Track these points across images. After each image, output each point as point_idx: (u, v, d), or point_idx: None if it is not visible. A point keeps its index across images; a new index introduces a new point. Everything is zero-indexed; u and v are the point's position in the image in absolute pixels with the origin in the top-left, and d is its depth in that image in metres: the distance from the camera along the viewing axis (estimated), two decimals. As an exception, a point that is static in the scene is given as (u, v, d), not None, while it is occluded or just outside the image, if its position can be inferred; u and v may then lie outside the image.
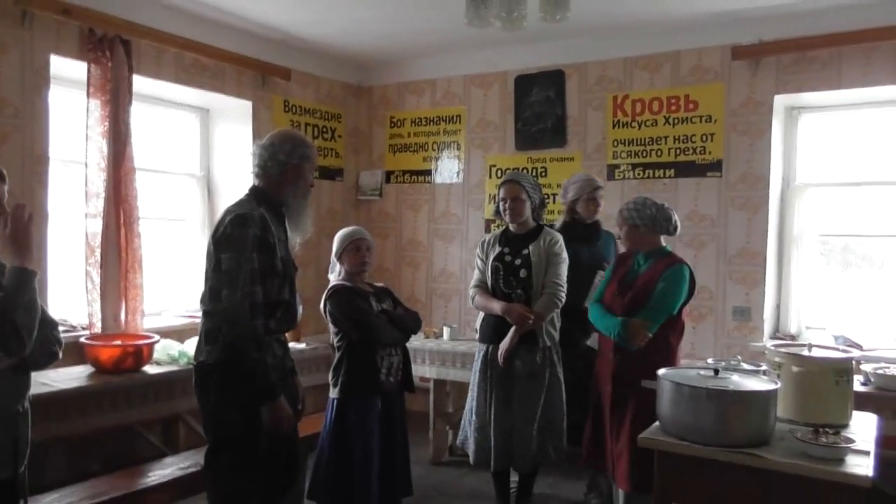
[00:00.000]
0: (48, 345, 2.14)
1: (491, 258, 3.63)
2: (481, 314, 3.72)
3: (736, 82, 4.54)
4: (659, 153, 4.80)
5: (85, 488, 2.78)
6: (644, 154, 4.85)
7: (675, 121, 4.73)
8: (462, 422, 3.75)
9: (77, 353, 3.66)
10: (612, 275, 3.38)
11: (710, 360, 2.92)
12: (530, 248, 3.56)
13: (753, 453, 2.20)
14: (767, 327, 4.53)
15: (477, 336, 3.75)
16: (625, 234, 3.27)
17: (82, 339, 3.69)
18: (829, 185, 4.58)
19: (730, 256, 4.58)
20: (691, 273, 3.22)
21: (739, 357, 3.70)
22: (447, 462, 4.63)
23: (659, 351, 3.08)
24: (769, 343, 2.78)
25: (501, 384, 3.53)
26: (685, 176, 4.71)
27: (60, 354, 2.21)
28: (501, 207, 3.61)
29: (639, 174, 4.85)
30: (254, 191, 2.67)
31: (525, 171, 5.24)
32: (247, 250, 2.44)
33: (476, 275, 3.72)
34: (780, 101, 4.47)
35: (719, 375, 2.40)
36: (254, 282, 2.44)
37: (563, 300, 3.53)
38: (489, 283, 3.62)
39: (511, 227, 3.65)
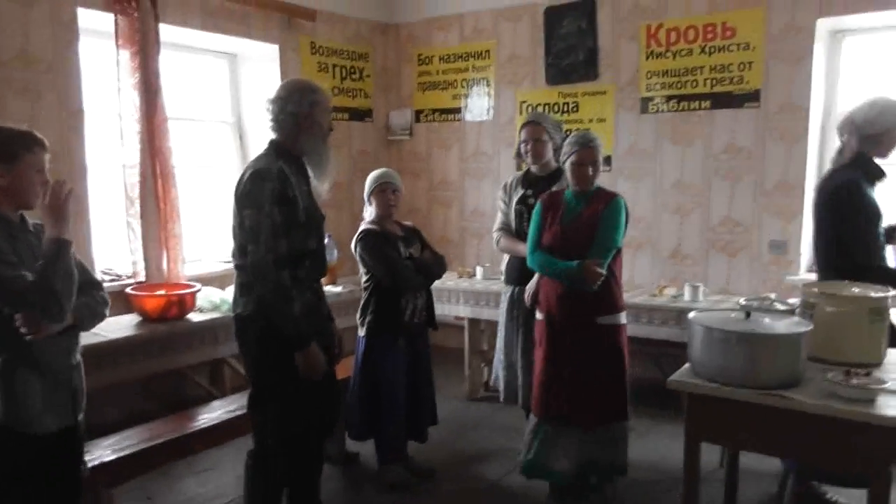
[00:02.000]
0: (95, 306, 2.25)
1: (514, 201, 3.63)
2: (506, 256, 3.76)
3: (776, 6, 4.34)
4: (694, 84, 4.65)
5: (140, 432, 2.94)
6: (679, 85, 4.71)
7: (712, 49, 4.57)
8: (494, 361, 3.85)
9: (124, 302, 3.81)
10: (544, 218, 3.20)
11: (742, 301, 2.91)
12: (553, 189, 3.54)
13: (783, 395, 2.22)
14: (804, 261, 4.46)
15: (503, 278, 3.79)
16: (593, 172, 3.10)
17: (128, 290, 3.83)
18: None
19: (767, 189, 4.49)
20: (625, 205, 3.16)
21: (773, 295, 3.70)
22: (483, 398, 4.76)
23: (608, 285, 3.07)
24: (805, 280, 2.75)
25: (528, 324, 3.59)
26: (722, 107, 4.57)
27: (107, 314, 2.32)
28: (523, 149, 3.58)
29: (673, 107, 4.73)
30: (272, 144, 2.69)
31: (556, 106, 5.16)
32: (266, 205, 2.48)
33: (499, 217, 3.73)
34: (823, 24, 4.28)
35: (750, 318, 2.40)
36: (276, 236, 2.49)
37: None
38: (513, 225, 3.63)
39: (532, 168, 3.63)
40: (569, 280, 3.04)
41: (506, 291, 3.71)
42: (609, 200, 3.11)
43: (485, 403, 4.65)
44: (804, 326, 2.35)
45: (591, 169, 3.09)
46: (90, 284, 2.28)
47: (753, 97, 4.46)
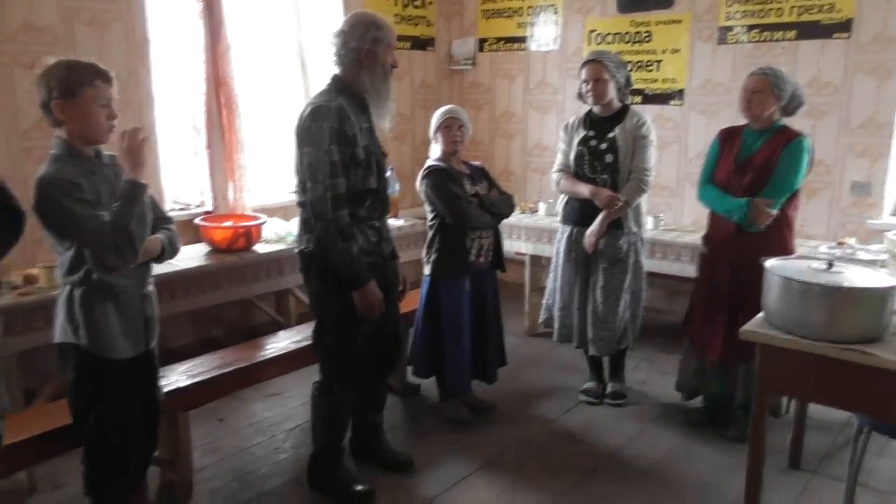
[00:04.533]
0: (174, 241, 2.32)
1: (575, 142, 3.51)
2: (562, 196, 3.67)
3: (878, -75, 3.98)
4: (779, 12, 4.35)
5: (213, 359, 3.04)
6: (761, 14, 4.41)
7: (801, -26, 4.24)
8: (545, 301, 3.83)
9: (193, 231, 3.90)
10: (720, 153, 3.18)
11: (823, 248, 2.79)
12: (616, 131, 3.41)
13: (864, 350, 2.13)
14: (889, 203, 4.23)
15: (559, 217, 3.71)
16: (758, 101, 2.99)
17: (197, 221, 3.91)
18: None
19: (853, 127, 4.22)
20: (811, 146, 3.04)
21: (852, 240, 3.53)
22: (542, 333, 4.74)
23: (779, 227, 3.01)
24: (892, 229, 2.60)
25: (586, 267, 3.54)
26: (808, 38, 4.28)
27: (180, 248, 2.38)
28: (583, 89, 3.43)
29: (754, 37, 4.45)
30: (334, 80, 2.65)
31: (627, 35, 4.92)
32: (324, 143, 2.46)
33: (559, 158, 3.62)
34: (930, -55, 3.91)
35: (832, 269, 2.29)
36: (335, 174, 2.48)
37: (650, 186, 3.44)
38: (572, 167, 3.53)
39: (594, 109, 3.48)
40: (736, 217, 3.00)
41: (563, 231, 3.64)
42: (791, 139, 3.00)
43: (543, 340, 4.64)
44: (892, 280, 2.24)
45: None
46: (164, 220, 2.33)
47: (843, 27, 4.15)
